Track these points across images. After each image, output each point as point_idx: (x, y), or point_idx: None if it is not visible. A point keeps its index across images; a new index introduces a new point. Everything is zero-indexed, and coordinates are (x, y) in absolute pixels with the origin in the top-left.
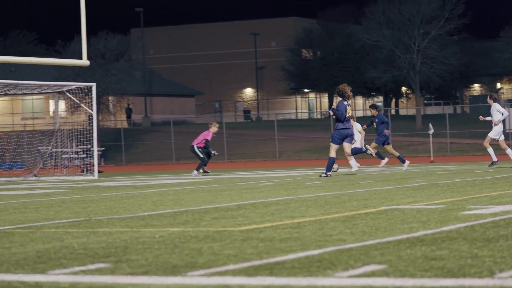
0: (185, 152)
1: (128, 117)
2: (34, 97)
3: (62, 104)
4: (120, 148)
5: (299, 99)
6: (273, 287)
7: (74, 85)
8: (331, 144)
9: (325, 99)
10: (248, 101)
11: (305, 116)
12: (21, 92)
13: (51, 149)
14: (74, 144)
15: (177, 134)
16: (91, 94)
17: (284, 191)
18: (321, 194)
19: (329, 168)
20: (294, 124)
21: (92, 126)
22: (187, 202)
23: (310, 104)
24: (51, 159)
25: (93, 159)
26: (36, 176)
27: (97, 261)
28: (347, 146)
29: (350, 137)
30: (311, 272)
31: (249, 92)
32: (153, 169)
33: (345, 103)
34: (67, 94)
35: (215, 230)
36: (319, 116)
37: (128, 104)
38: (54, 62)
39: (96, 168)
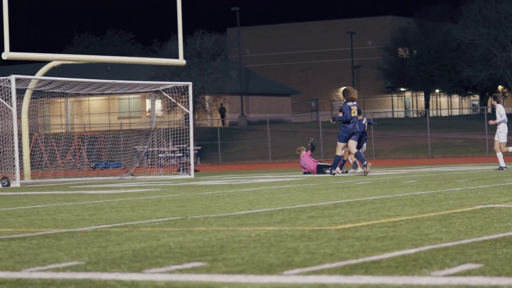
0: (281, 151)
1: (222, 116)
2: (131, 96)
3: (158, 103)
4: (216, 147)
5: (395, 98)
6: (369, 286)
7: (170, 84)
8: (338, 142)
9: (421, 98)
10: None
11: (401, 114)
12: (118, 92)
13: (147, 148)
14: (170, 143)
15: (274, 133)
16: (187, 93)
17: (380, 189)
18: (417, 193)
19: (335, 166)
20: (390, 123)
21: (188, 125)
22: (283, 201)
23: (406, 102)
24: (147, 158)
25: (189, 158)
26: (132, 175)
27: (193, 260)
28: (352, 144)
29: (356, 135)
30: (407, 271)
31: None
32: (249, 168)
33: (349, 103)
34: (164, 93)
35: (311, 229)
36: (415, 115)
37: (222, 104)
38: (150, 61)
39: (192, 167)
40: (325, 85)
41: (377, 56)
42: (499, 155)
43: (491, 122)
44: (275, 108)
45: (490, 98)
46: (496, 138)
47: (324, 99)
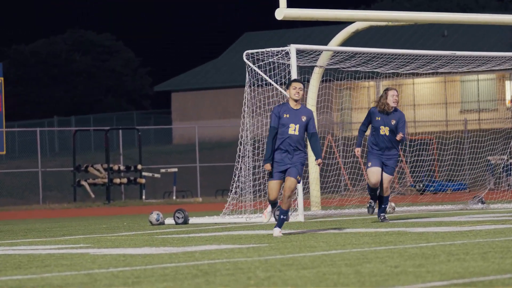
0: None
1: None
2: (481, 76)
3: None
4: None
5: None
6: None
7: None
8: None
9: None
10: None
11: None
12: (459, 70)
13: (507, 160)
14: None
15: None
16: None
17: None
18: None
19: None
20: None
21: None
22: None
23: None
24: (508, 175)
25: None
26: (483, 202)
27: None
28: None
29: None
30: None
31: None
32: None
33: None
34: None
35: None
36: None
37: None
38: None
39: None
40: None
41: None
42: None
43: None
44: None
45: None
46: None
47: None
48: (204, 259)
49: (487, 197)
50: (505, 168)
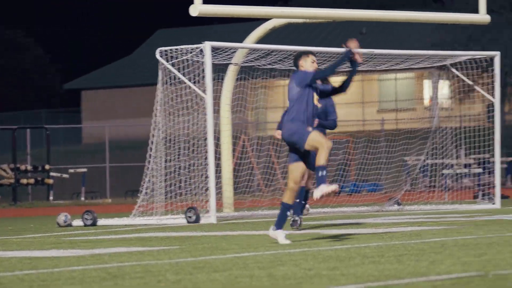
0: None
1: None
2: (399, 75)
3: (444, 87)
4: None
5: None
6: None
7: (464, 55)
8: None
9: None
10: None
11: None
12: (377, 68)
13: (424, 161)
14: (462, 152)
15: None
16: (493, 71)
17: None
18: None
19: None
20: None
21: (492, 122)
22: None
23: None
24: (424, 176)
25: (493, 177)
26: (399, 204)
27: None
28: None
29: None
30: None
31: None
32: None
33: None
34: (453, 70)
35: None
36: None
37: None
38: (432, 18)
39: (497, 191)
40: None
41: None
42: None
43: None
44: None
45: None
46: None
47: None
48: (113, 261)
49: (403, 198)
50: (422, 169)
